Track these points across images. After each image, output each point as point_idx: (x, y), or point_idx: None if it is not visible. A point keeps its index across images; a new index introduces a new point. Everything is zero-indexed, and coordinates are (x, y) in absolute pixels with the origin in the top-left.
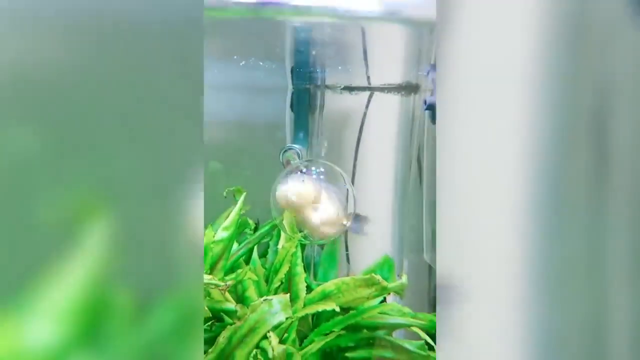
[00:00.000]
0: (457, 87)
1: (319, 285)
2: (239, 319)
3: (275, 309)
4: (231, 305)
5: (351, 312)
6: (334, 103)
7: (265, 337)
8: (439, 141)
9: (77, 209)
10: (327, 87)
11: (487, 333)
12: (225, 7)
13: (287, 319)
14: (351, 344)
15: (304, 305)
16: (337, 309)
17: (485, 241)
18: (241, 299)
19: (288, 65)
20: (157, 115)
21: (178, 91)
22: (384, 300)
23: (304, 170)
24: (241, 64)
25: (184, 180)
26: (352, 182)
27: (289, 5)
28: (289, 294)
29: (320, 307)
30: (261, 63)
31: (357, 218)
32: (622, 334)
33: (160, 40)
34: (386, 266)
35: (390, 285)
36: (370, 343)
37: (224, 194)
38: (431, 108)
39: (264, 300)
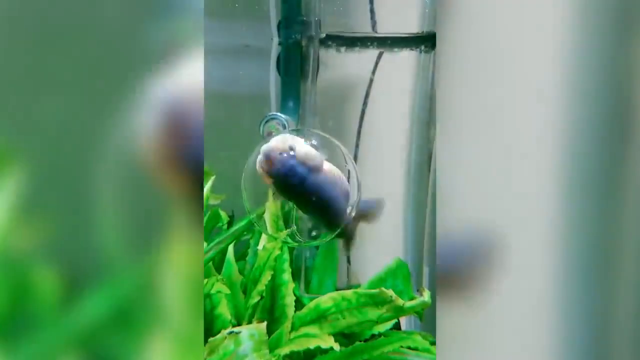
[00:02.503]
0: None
1: (312, 299)
2: None
3: (244, 349)
4: None
5: (357, 343)
6: (332, 65)
7: None
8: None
9: None
10: (321, 42)
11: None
12: None
13: None
14: None
15: (292, 327)
16: (337, 348)
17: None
18: (209, 319)
19: (274, 15)
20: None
21: None
22: (398, 323)
23: None
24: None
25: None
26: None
27: None
28: (265, 323)
29: (312, 344)
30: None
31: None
32: None
33: None
34: (400, 273)
35: (408, 304)
36: None
37: None
38: None
39: (229, 334)
